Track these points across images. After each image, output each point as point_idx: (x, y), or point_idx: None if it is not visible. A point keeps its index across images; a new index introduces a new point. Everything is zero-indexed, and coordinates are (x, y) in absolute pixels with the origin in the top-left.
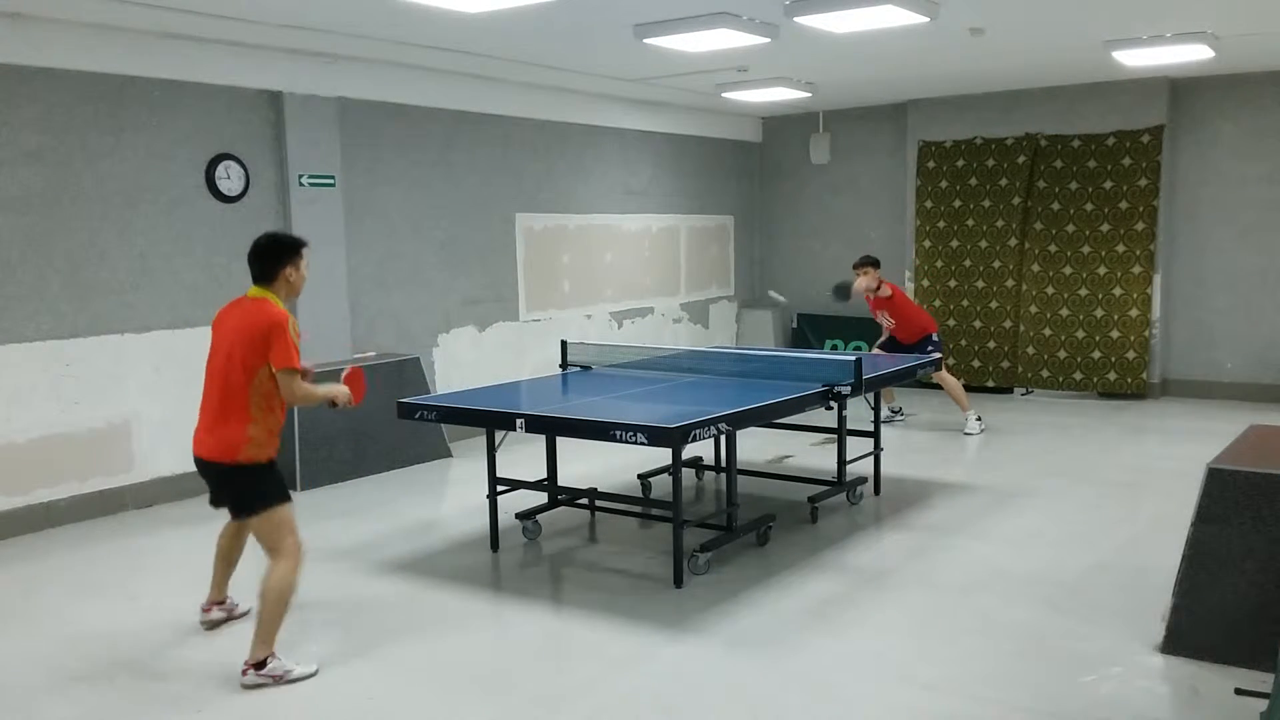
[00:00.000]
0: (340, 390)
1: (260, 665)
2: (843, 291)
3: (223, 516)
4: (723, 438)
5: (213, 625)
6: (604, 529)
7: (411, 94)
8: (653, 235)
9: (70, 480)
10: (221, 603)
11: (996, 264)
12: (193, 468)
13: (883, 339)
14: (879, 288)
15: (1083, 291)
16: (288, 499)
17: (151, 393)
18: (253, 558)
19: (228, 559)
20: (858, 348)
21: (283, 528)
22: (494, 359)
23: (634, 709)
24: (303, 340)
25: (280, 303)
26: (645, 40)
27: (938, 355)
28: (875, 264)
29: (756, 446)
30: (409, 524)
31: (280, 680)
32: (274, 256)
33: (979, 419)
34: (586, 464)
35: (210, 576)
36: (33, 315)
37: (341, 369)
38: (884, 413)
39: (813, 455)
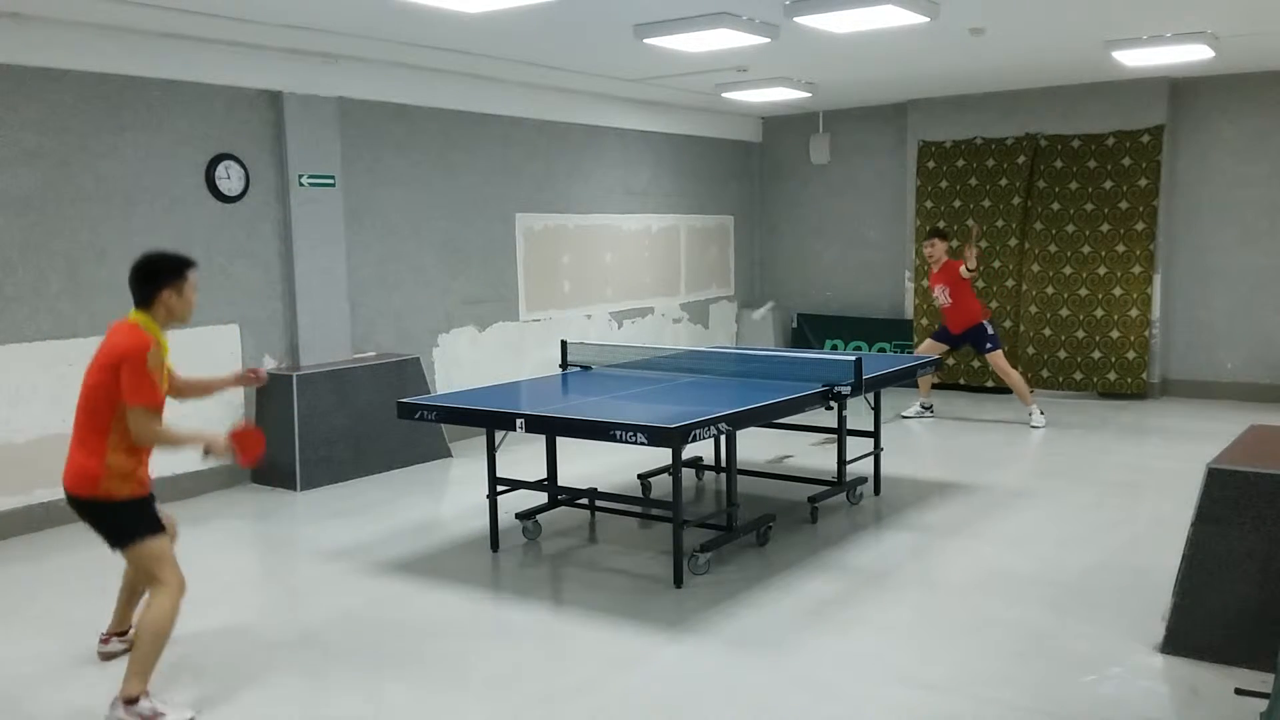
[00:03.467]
0: (214, 439)
1: (131, 701)
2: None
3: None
4: (723, 438)
5: (109, 657)
6: (604, 529)
7: (411, 94)
8: (653, 235)
9: None
10: (123, 634)
11: (996, 264)
12: (192, 467)
13: (936, 331)
14: (944, 261)
15: (1083, 291)
16: (159, 531)
17: None
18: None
19: (132, 587)
20: (858, 348)
21: (159, 560)
22: (494, 359)
23: (634, 709)
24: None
25: (156, 328)
26: (645, 40)
27: (938, 357)
28: (943, 236)
29: (756, 446)
30: (409, 524)
31: None
32: (148, 279)
33: (1042, 412)
34: (586, 464)
35: (114, 606)
36: (33, 315)
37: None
38: (915, 408)
39: (813, 455)
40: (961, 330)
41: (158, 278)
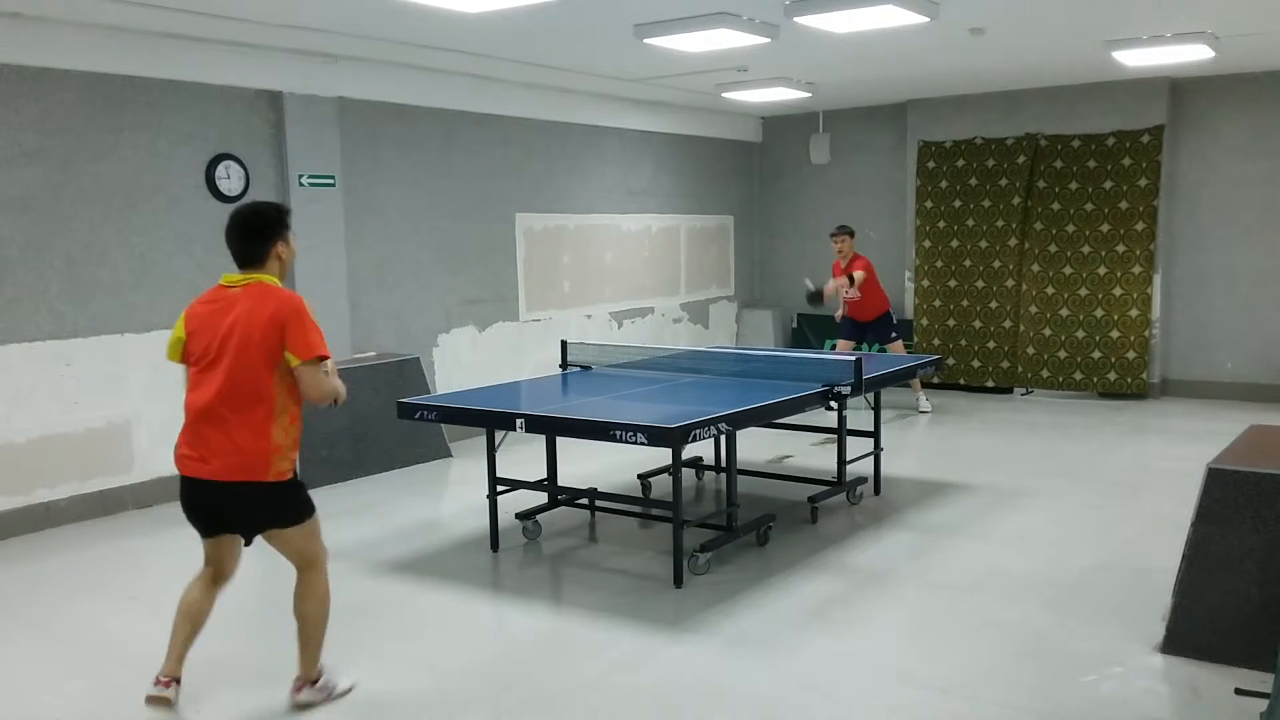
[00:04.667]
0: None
1: (314, 681)
2: (815, 298)
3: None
4: (723, 438)
5: (162, 703)
6: (604, 529)
7: (411, 94)
8: (653, 235)
9: (70, 480)
10: (179, 680)
11: (996, 264)
12: None
13: (841, 321)
14: (853, 255)
15: (1083, 291)
16: (314, 508)
17: (151, 393)
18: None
19: (195, 621)
20: (857, 348)
21: (316, 536)
22: (494, 359)
23: (634, 709)
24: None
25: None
26: (645, 40)
27: (936, 357)
28: (852, 233)
29: (756, 446)
30: (409, 524)
31: (330, 696)
32: (260, 233)
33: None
34: (586, 464)
35: (168, 643)
36: (33, 315)
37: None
38: (924, 404)
39: (813, 455)
40: (871, 318)
41: (270, 231)
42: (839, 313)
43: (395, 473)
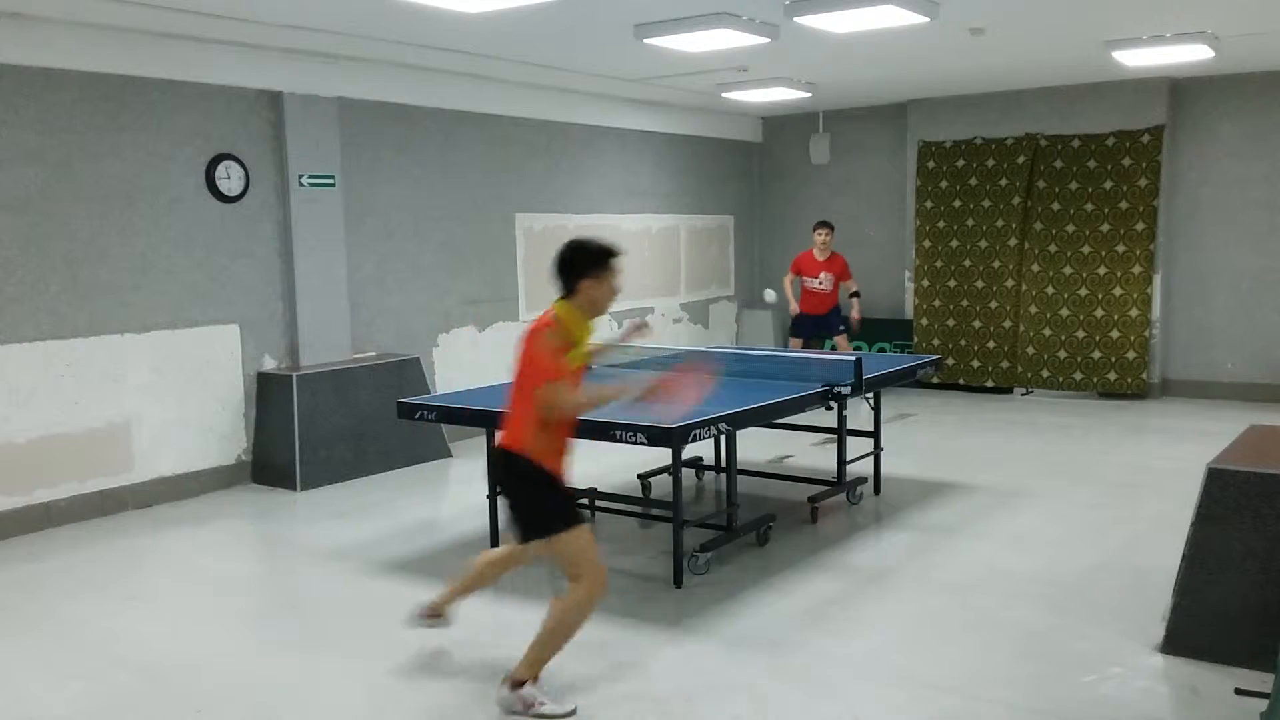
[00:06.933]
0: (635, 384)
1: (518, 685)
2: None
3: None
4: (723, 438)
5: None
6: (604, 529)
7: (411, 94)
8: (653, 235)
9: (70, 480)
10: (439, 616)
11: (996, 264)
12: (193, 467)
13: (796, 318)
14: (831, 252)
15: (1083, 291)
16: (582, 521)
17: (151, 393)
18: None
19: (477, 583)
20: (858, 347)
21: (582, 553)
22: (494, 359)
23: (634, 709)
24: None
25: (574, 314)
26: (645, 40)
27: (936, 357)
28: (832, 227)
29: (756, 446)
30: (409, 524)
31: (529, 709)
32: (565, 268)
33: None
34: (586, 464)
35: (450, 584)
36: (33, 315)
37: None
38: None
39: (813, 455)
40: (825, 311)
41: (574, 267)
42: (795, 308)
43: (395, 473)
